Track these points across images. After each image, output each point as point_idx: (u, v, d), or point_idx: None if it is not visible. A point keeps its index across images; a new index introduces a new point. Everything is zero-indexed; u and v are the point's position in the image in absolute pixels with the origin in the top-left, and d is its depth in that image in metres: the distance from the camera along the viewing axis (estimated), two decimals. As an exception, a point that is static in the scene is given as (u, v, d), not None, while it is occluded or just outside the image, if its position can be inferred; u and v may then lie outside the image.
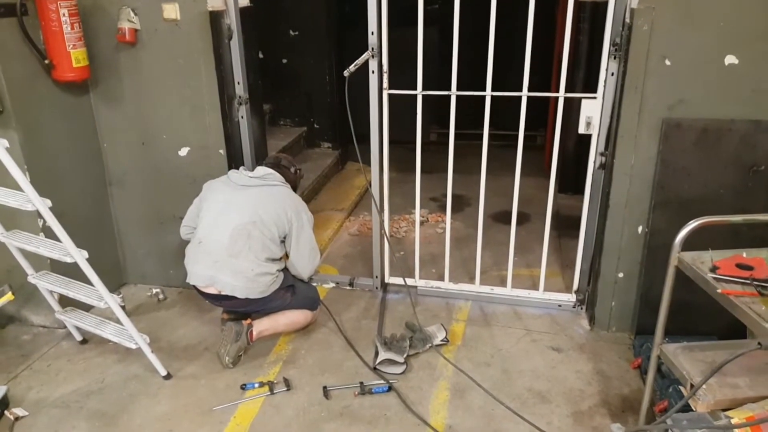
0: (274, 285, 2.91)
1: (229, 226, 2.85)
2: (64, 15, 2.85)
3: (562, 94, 2.97)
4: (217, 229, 2.87)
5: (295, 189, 3.14)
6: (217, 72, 3.12)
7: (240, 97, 3.30)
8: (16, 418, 2.60)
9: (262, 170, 3.04)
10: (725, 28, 2.50)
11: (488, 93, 3.05)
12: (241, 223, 2.84)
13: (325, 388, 2.73)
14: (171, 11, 3.02)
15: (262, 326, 2.98)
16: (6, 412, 2.62)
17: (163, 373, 2.84)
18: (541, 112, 5.33)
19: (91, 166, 3.38)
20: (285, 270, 3.03)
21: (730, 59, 2.54)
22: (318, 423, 2.55)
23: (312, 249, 3.06)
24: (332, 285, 3.67)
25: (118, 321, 2.76)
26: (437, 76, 3.35)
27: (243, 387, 2.76)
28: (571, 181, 4.79)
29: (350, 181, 5.48)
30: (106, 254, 3.55)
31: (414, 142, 3.25)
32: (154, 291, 3.58)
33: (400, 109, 3.30)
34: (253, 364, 2.94)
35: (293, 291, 3.04)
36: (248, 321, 2.96)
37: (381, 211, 3.41)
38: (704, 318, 2.39)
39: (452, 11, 2.93)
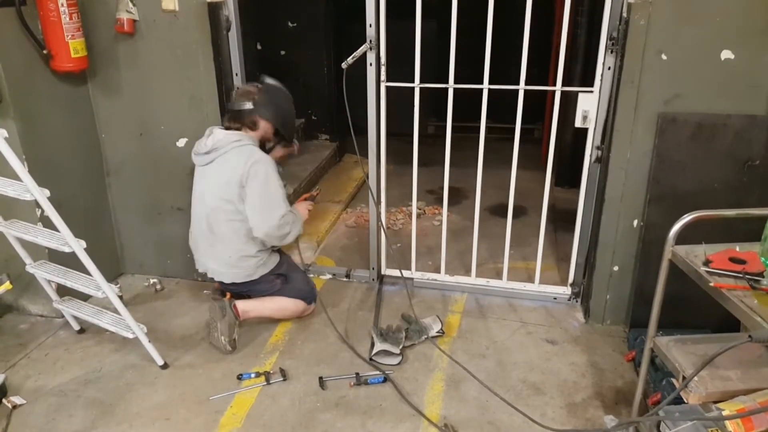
0: (262, 268, 2.95)
1: (203, 215, 2.92)
2: (62, 5, 2.84)
3: (558, 87, 2.98)
4: (197, 218, 2.97)
5: (258, 124, 2.87)
6: (215, 63, 3.12)
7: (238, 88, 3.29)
8: (14, 407, 2.61)
9: (212, 140, 2.84)
10: (722, 24, 2.51)
11: (485, 86, 3.05)
12: (209, 210, 2.88)
13: (321, 378, 2.74)
14: (169, 2, 3.01)
15: (247, 306, 3.01)
16: (4, 400, 2.63)
17: (160, 362, 2.85)
18: (538, 105, 5.34)
19: (89, 156, 3.38)
20: (279, 256, 3.07)
21: (726, 54, 2.55)
22: (314, 413, 2.57)
23: (265, 201, 2.77)
24: (329, 276, 3.68)
25: (115, 311, 2.77)
26: (435, 69, 3.35)
27: (239, 377, 2.78)
28: (568, 175, 4.83)
29: (348, 173, 5.48)
30: (103, 244, 3.56)
31: (411, 135, 3.26)
32: (152, 281, 3.59)
33: (398, 102, 3.31)
34: (250, 354, 2.96)
35: (285, 279, 3.07)
36: (228, 296, 3.02)
37: (378, 203, 3.42)
38: (698, 311, 2.40)
39: (450, 4, 2.93)
